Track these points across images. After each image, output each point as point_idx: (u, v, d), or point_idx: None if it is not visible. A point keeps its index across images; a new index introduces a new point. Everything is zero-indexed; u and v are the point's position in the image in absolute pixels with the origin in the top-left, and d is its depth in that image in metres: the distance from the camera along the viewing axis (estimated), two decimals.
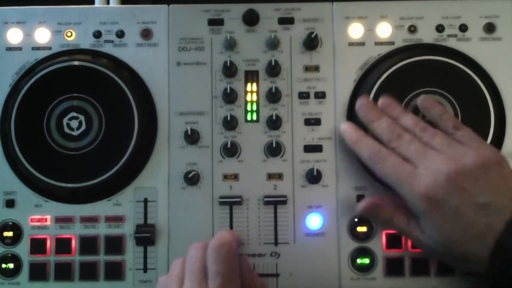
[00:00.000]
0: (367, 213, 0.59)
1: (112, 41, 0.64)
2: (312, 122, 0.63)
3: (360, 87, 0.63)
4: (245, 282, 0.55)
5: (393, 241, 0.61)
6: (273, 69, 0.62)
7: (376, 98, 0.61)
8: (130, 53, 0.64)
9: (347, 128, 0.60)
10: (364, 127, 0.60)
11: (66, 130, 0.61)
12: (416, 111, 0.61)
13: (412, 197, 0.54)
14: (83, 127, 0.62)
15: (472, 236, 0.52)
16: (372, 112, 0.60)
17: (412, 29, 0.64)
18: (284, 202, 0.61)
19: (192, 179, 0.61)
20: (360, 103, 0.61)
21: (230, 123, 0.62)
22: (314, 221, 0.61)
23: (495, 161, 0.54)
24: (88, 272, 0.60)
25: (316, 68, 0.64)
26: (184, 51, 0.64)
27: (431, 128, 0.58)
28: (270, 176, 0.62)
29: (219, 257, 0.52)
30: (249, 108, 0.63)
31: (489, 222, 0.52)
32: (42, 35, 0.64)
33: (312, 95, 0.63)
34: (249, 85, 0.63)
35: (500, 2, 0.64)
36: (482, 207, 0.52)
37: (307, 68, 0.64)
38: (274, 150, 0.61)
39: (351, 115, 0.63)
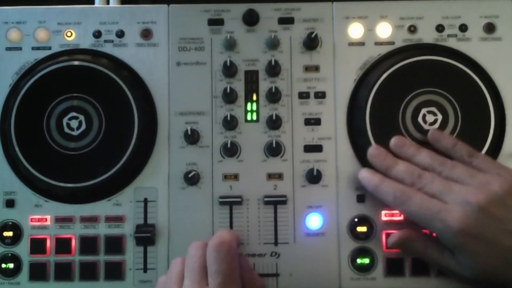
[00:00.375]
0: (399, 247, 0.59)
1: (112, 41, 0.64)
2: (312, 122, 0.63)
3: (360, 87, 0.63)
4: (245, 281, 0.55)
5: None
6: (273, 69, 0.62)
7: (376, 98, 0.61)
8: (130, 53, 0.64)
9: (365, 175, 0.60)
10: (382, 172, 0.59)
11: (66, 130, 0.61)
12: (416, 112, 0.61)
13: (445, 233, 0.54)
14: (83, 127, 0.62)
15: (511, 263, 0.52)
16: (387, 159, 0.59)
17: (412, 29, 0.64)
18: (284, 202, 0.61)
19: (192, 179, 0.61)
20: (372, 152, 0.60)
21: (230, 123, 0.62)
22: (314, 221, 0.61)
23: None
24: (88, 272, 0.60)
25: (316, 68, 0.64)
26: (184, 51, 0.64)
27: (449, 160, 0.57)
28: (270, 176, 0.62)
29: (219, 256, 0.52)
30: (249, 108, 0.63)
31: None
32: (42, 35, 0.64)
33: (312, 95, 0.63)
34: (249, 85, 0.63)
35: (500, 2, 0.64)
36: None
37: (307, 68, 0.64)
38: (274, 150, 0.61)
39: (351, 115, 0.63)
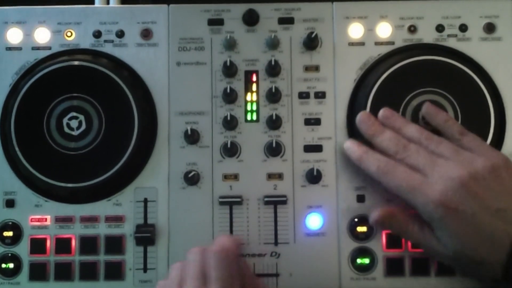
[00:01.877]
0: (381, 223, 0.59)
1: (112, 41, 0.64)
2: (312, 122, 0.63)
3: (360, 87, 0.63)
4: (247, 286, 0.55)
5: (393, 241, 0.61)
6: (273, 69, 0.62)
7: (376, 98, 0.61)
8: (130, 53, 0.64)
9: (350, 145, 0.60)
10: (367, 144, 0.60)
11: (66, 130, 0.61)
12: (416, 111, 0.61)
13: (426, 205, 0.54)
14: (83, 127, 0.62)
15: (489, 241, 0.52)
16: (374, 125, 0.60)
17: (412, 29, 0.64)
18: (284, 202, 0.61)
19: (192, 179, 0.61)
20: (360, 118, 0.60)
21: (230, 123, 0.62)
22: (314, 221, 0.61)
23: (503, 164, 0.55)
24: (88, 272, 0.60)
25: (316, 68, 0.64)
26: (184, 51, 0.64)
27: (436, 136, 0.58)
28: (270, 176, 0.62)
29: (218, 263, 0.52)
30: (249, 108, 0.63)
31: (506, 227, 0.52)
32: (42, 35, 0.64)
33: (312, 95, 0.63)
34: (249, 85, 0.63)
35: (500, 2, 0.64)
36: (497, 213, 0.52)
37: (307, 68, 0.64)
38: (274, 150, 0.61)
39: (351, 115, 0.63)
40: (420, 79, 0.62)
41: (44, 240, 0.61)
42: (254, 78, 0.63)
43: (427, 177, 0.54)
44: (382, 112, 0.60)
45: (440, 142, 0.57)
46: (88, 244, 0.61)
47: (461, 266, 0.57)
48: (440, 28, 0.64)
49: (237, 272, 0.53)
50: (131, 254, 0.61)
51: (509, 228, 0.52)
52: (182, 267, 0.53)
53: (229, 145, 0.61)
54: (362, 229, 0.61)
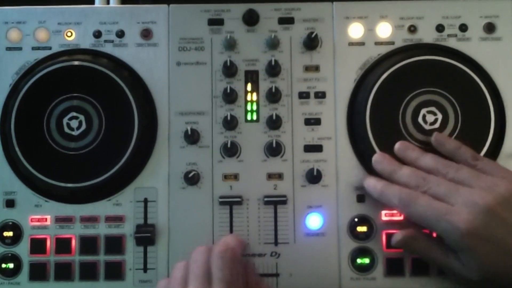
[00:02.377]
0: (403, 246, 0.58)
1: (112, 41, 0.64)
2: (312, 122, 0.63)
3: (360, 87, 0.63)
4: (251, 286, 0.55)
5: None
6: (273, 69, 0.62)
7: (376, 98, 0.61)
8: (130, 53, 0.64)
9: (371, 181, 0.59)
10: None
11: (66, 130, 0.61)
12: (416, 111, 0.61)
13: (452, 235, 0.53)
14: (83, 127, 0.62)
15: None
16: (391, 164, 0.59)
17: (412, 29, 0.64)
18: (284, 202, 0.61)
19: (192, 179, 0.61)
20: (376, 159, 0.60)
21: (230, 123, 0.62)
22: (314, 221, 0.61)
23: None
24: (88, 272, 0.60)
25: (316, 68, 0.64)
26: (184, 51, 0.64)
27: (454, 163, 0.57)
28: (270, 176, 0.62)
29: (222, 262, 0.52)
30: (249, 108, 0.63)
31: None
32: (42, 35, 0.64)
33: (312, 95, 0.63)
34: (249, 85, 0.63)
35: (500, 2, 0.64)
36: None
37: (307, 68, 0.64)
38: (274, 150, 0.61)
39: (351, 115, 0.63)
40: (420, 79, 0.62)
41: (44, 240, 0.61)
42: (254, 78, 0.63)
43: (452, 205, 0.54)
44: (397, 146, 0.60)
45: (458, 168, 0.56)
46: (88, 244, 0.61)
47: None
48: (440, 28, 0.64)
49: (241, 272, 0.53)
50: (131, 254, 0.61)
51: None
52: (185, 266, 0.53)
53: (229, 145, 0.61)
54: (362, 229, 0.61)
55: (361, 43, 0.64)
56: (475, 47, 0.63)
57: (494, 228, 0.52)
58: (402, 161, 0.59)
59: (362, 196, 0.61)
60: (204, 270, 0.52)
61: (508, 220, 0.52)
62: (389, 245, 0.60)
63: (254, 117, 0.63)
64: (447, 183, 0.55)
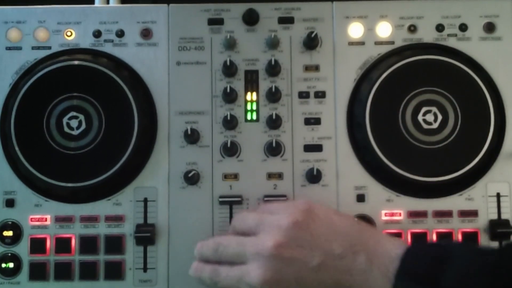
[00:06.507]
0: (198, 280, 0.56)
1: (112, 41, 0.64)
2: (312, 121, 0.63)
3: (360, 87, 0.63)
4: None
5: None
6: (273, 69, 0.62)
7: (376, 98, 0.61)
8: (130, 53, 0.64)
9: (193, 264, 0.56)
10: None
11: (66, 129, 0.61)
12: (416, 111, 0.61)
13: None
14: (83, 126, 0.62)
15: None
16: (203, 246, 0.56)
17: (412, 29, 0.64)
18: None
19: (192, 178, 0.61)
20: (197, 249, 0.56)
21: (230, 123, 0.62)
22: None
23: (305, 212, 0.53)
24: (88, 271, 0.60)
25: (316, 68, 0.64)
26: (184, 51, 0.64)
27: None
28: (270, 176, 0.62)
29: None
30: (249, 107, 0.63)
31: (334, 277, 0.50)
32: (42, 35, 0.64)
33: (312, 94, 0.63)
34: (249, 84, 0.63)
35: (500, 2, 0.64)
36: (318, 268, 0.50)
37: (307, 68, 0.64)
38: (274, 149, 0.61)
39: (351, 114, 0.63)
40: (420, 78, 0.62)
41: (44, 240, 0.61)
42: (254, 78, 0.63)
43: (245, 263, 0.52)
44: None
45: (244, 219, 0.56)
46: (88, 244, 0.61)
47: None
48: (440, 28, 0.64)
49: None
50: (131, 254, 0.61)
51: (336, 276, 0.50)
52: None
53: (229, 145, 0.61)
54: None
55: (361, 43, 0.64)
56: (475, 46, 0.63)
57: (285, 270, 0.50)
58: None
59: (362, 196, 0.61)
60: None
61: (296, 258, 0.51)
62: None
63: (254, 117, 0.63)
64: (234, 241, 0.54)
